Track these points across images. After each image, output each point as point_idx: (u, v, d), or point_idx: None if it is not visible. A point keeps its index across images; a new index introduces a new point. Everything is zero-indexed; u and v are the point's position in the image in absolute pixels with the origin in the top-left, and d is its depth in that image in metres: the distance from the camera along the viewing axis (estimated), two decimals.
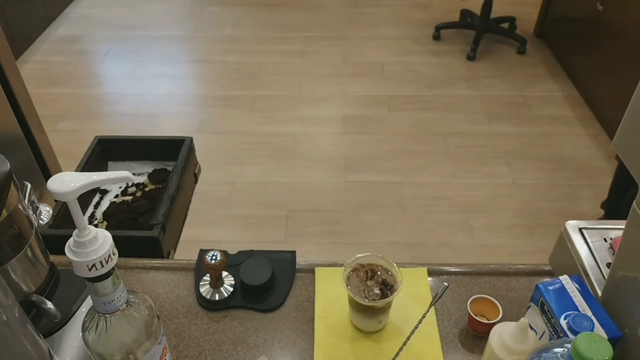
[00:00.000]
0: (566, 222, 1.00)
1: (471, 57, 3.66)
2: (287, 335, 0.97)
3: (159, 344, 0.75)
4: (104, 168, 1.58)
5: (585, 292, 0.82)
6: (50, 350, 0.72)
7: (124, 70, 3.82)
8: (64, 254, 0.63)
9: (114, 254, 0.66)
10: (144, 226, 1.38)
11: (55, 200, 1.31)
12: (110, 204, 1.49)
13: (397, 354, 0.92)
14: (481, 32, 3.78)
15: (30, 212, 0.83)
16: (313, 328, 0.98)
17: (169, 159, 1.58)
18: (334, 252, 2.32)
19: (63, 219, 1.31)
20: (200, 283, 1.05)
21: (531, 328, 0.82)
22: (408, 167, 2.84)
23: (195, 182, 1.63)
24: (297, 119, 3.24)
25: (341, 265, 0.96)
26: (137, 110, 3.38)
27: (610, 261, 0.92)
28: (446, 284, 1.00)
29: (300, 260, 1.10)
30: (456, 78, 3.49)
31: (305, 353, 0.94)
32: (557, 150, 2.99)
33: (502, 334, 0.78)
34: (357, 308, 0.94)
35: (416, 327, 0.94)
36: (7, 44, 1.51)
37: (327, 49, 3.95)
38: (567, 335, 0.76)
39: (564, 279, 0.84)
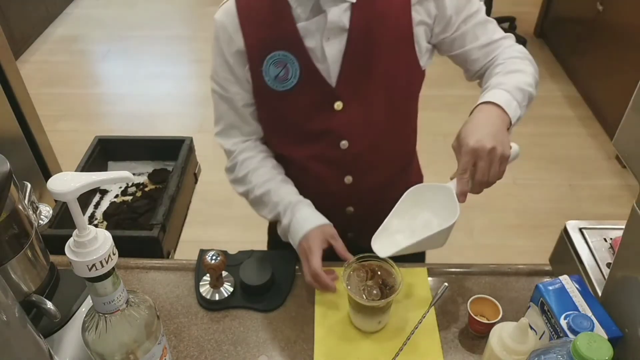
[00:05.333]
0: (566, 222, 1.00)
1: None
2: (287, 335, 0.97)
3: (159, 344, 0.75)
4: (104, 168, 1.58)
5: (585, 292, 0.82)
6: (50, 350, 0.72)
7: (124, 70, 3.82)
8: (64, 254, 0.63)
9: (114, 254, 0.66)
10: (144, 226, 1.38)
11: (55, 200, 1.31)
12: (110, 204, 1.49)
13: (397, 354, 0.91)
14: None
15: (30, 212, 0.83)
16: (313, 328, 0.98)
17: (169, 159, 1.58)
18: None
19: (63, 219, 1.31)
20: (200, 283, 1.05)
21: (531, 328, 0.82)
22: None
23: (195, 182, 1.63)
24: None
25: (341, 265, 0.96)
26: (137, 110, 3.38)
27: (610, 261, 0.92)
28: (446, 284, 1.00)
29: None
30: (456, 78, 3.48)
31: (305, 353, 0.94)
32: (557, 150, 2.99)
33: (502, 334, 0.78)
34: (357, 308, 0.94)
35: (416, 327, 0.94)
36: (7, 44, 1.51)
37: None
38: (567, 335, 0.75)
39: (564, 279, 0.84)
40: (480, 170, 0.86)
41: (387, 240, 0.92)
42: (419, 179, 1.26)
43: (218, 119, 1.10)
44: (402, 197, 0.93)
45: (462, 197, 0.89)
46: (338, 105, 1.00)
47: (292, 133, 1.06)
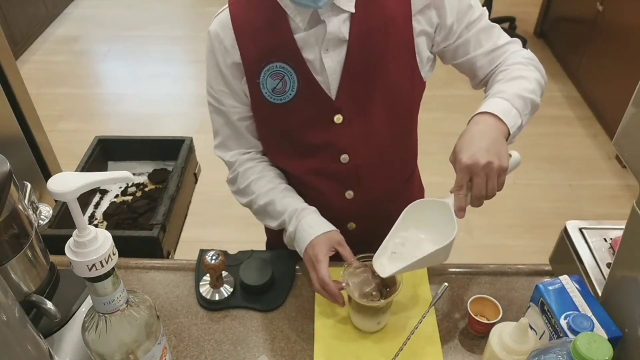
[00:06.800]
0: (566, 222, 1.00)
1: None
2: (287, 335, 0.97)
3: (159, 344, 0.75)
4: (104, 168, 1.58)
5: (585, 292, 0.82)
6: (50, 350, 0.72)
7: (124, 70, 3.82)
8: (64, 254, 0.63)
9: (113, 254, 0.66)
10: (144, 226, 1.38)
11: (55, 200, 1.31)
12: (110, 204, 1.49)
13: (397, 354, 0.91)
14: None
15: (30, 212, 0.83)
16: (313, 328, 0.98)
17: (169, 159, 1.58)
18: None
19: (63, 219, 1.31)
20: (200, 283, 1.05)
21: (531, 328, 0.82)
22: None
23: (195, 182, 1.63)
24: None
25: (341, 265, 0.96)
26: (137, 110, 3.38)
27: (610, 261, 0.92)
28: (446, 284, 1.00)
29: (300, 261, 1.09)
30: (456, 78, 3.48)
31: (305, 353, 0.94)
32: (557, 150, 2.99)
33: (502, 334, 0.78)
34: (357, 308, 0.94)
35: (416, 327, 0.94)
36: (7, 44, 1.51)
37: None
38: (567, 335, 0.75)
39: (564, 279, 0.84)
40: (476, 186, 0.84)
41: (388, 260, 0.92)
42: (420, 192, 1.25)
43: (215, 133, 1.08)
44: (402, 214, 0.92)
45: (460, 212, 0.88)
46: (338, 118, 0.98)
47: (291, 146, 1.04)
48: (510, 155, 0.88)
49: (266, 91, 0.97)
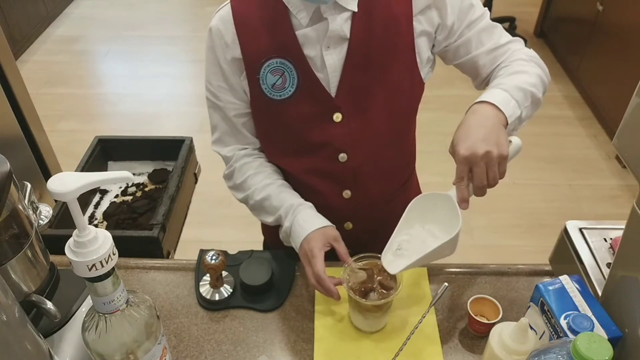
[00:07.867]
0: (566, 222, 1.00)
1: None
2: (287, 335, 0.97)
3: (159, 344, 0.75)
4: (104, 168, 1.58)
5: (585, 292, 0.82)
6: (50, 350, 0.72)
7: (124, 70, 3.82)
8: (64, 254, 0.63)
9: (113, 254, 0.66)
10: (144, 226, 1.38)
11: (55, 200, 1.31)
12: (110, 204, 1.49)
13: (397, 354, 0.91)
14: None
15: (30, 212, 0.83)
16: (313, 328, 0.98)
17: (169, 159, 1.58)
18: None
19: (63, 219, 1.31)
20: (200, 283, 1.05)
21: (531, 328, 0.82)
22: None
23: (195, 182, 1.63)
24: None
25: (341, 265, 0.96)
26: (137, 110, 3.38)
27: (610, 261, 0.92)
28: (446, 284, 1.00)
29: (300, 261, 1.09)
30: (456, 78, 3.48)
31: (305, 353, 0.94)
32: (557, 150, 2.99)
33: (502, 334, 0.78)
34: (357, 308, 0.94)
35: (416, 327, 0.94)
36: (7, 44, 1.51)
37: None
38: (567, 335, 0.75)
39: (564, 279, 0.84)
40: (476, 177, 0.84)
41: (396, 256, 0.92)
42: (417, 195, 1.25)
43: (213, 128, 1.08)
44: (407, 209, 0.92)
45: (463, 204, 0.87)
46: (337, 116, 0.98)
47: (289, 144, 1.04)
48: (510, 142, 0.87)
49: (266, 87, 0.97)
